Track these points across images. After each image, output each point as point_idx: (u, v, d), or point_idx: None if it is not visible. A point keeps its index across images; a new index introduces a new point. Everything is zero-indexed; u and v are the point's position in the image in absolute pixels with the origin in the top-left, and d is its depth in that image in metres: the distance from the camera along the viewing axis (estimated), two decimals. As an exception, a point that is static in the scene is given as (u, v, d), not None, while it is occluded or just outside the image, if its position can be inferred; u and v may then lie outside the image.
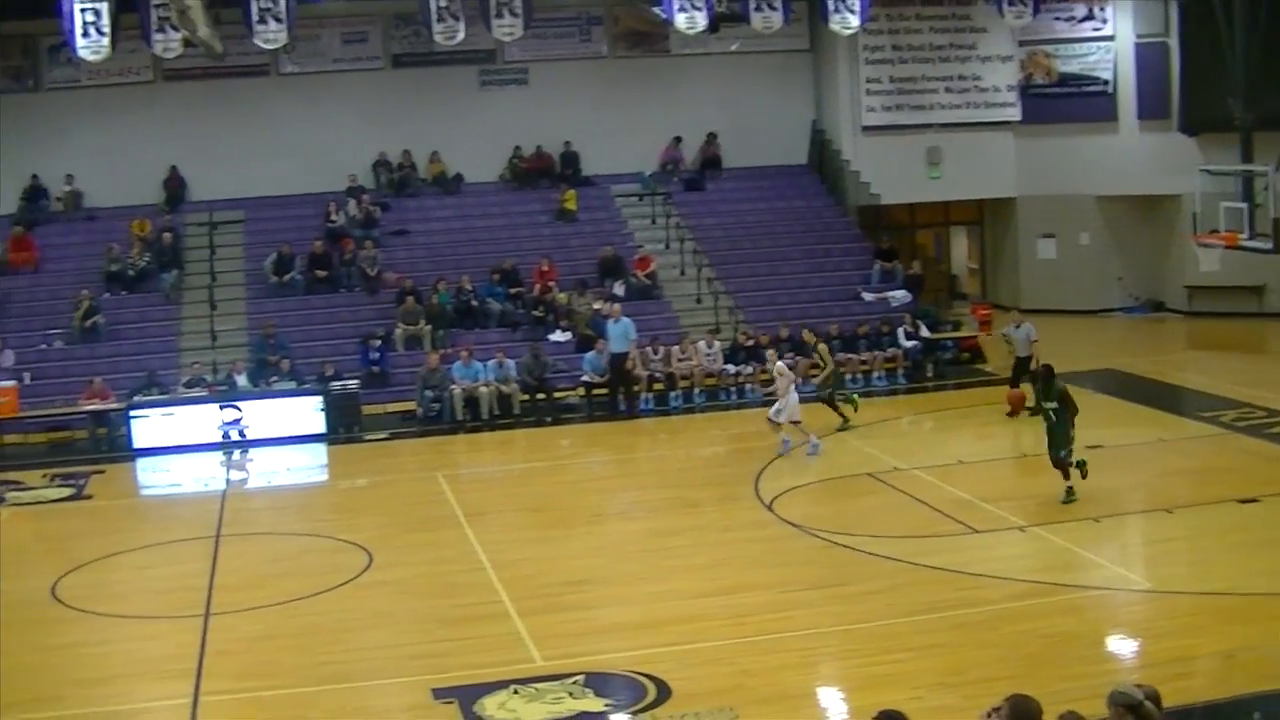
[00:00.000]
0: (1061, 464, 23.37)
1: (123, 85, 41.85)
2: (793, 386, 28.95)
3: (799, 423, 28.75)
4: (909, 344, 36.46)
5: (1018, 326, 32.07)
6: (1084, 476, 23.37)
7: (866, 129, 44.42)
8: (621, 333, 34.31)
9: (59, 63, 41.25)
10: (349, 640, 19.09)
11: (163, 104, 42.31)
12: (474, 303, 38.42)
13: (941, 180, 44.69)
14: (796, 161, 45.75)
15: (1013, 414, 30.60)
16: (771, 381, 30.09)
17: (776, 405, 28.95)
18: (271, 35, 35.44)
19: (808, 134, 45.91)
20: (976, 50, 44.46)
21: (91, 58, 35.01)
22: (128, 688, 17.66)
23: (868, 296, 39.78)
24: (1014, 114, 44.84)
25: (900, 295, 39.65)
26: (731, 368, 35.62)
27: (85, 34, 34.21)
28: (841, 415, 30.77)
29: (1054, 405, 23.38)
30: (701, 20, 36.63)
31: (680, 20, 36.65)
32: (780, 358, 30.51)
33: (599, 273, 39.73)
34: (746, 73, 44.70)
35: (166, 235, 40.13)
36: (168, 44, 35.12)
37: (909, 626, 18.08)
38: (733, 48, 43.41)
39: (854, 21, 37.58)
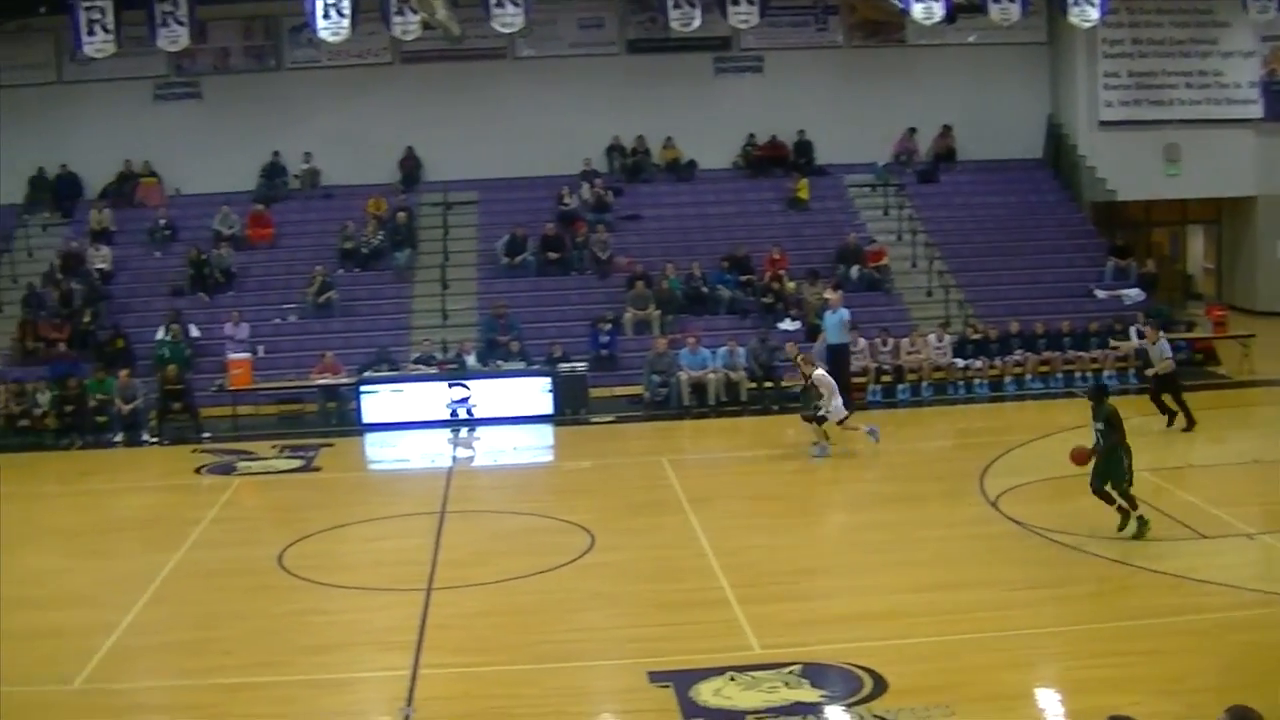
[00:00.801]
0: (1102, 494, 21.73)
1: (361, 66, 42.61)
2: (835, 390, 28.66)
3: (825, 421, 28.62)
4: (1141, 343, 35.72)
5: (1154, 342, 30.89)
6: (1139, 534, 21.44)
7: (1103, 124, 43.65)
8: (838, 323, 33.73)
9: (300, 43, 42.07)
10: (568, 620, 19.06)
11: (400, 85, 42.98)
12: (704, 289, 38.41)
13: (1179, 177, 43.65)
14: (1031, 156, 45.09)
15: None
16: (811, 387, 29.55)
17: (824, 408, 28.69)
18: (509, 19, 35.69)
19: (1043, 128, 45.20)
20: (1218, 45, 43.42)
21: (331, 39, 35.55)
22: (350, 657, 17.80)
23: (1100, 294, 39.05)
24: (1255, 111, 43.76)
25: (1134, 293, 38.88)
26: (960, 362, 35.23)
27: (326, 15, 34.77)
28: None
29: (1100, 427, 21.92)
30: (939, 11, 36.33)
31: (918, 11, 36.39)
32: (816, 364, 30.05)
33: (835, 259, 39.60)
34: (983, 65, 44.12)
35: (401, 214, 40.70)
36: (406, 26, 35.58)
37: (1130, 630, 17.55)
38: (969, 39, 42.92)
39: (1093, 14, 36.94)
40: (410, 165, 43.33)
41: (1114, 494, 21.63)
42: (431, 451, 31.71)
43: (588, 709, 16.29)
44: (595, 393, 34.72)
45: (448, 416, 33.48)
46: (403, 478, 30.66)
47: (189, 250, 39.41)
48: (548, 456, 32.36)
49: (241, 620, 19.27)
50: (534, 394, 33.84)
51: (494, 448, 32.20)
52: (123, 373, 33.71)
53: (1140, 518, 21.49)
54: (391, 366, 34.89)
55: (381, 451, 32.26)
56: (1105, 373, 35.08)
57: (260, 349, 36.24)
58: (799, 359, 30.43)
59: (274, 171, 42.94)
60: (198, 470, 29.77)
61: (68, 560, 23.04)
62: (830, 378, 28.88)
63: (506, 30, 36.68)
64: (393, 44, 40.89)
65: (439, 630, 18.57)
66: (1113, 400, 22.37)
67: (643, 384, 34.83)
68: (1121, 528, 21.53)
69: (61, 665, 17.36)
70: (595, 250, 39.76)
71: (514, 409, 33.63)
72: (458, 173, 42.69)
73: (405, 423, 33.21)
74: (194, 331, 36.67)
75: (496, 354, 35.37)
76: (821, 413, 28.61)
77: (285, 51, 43.09)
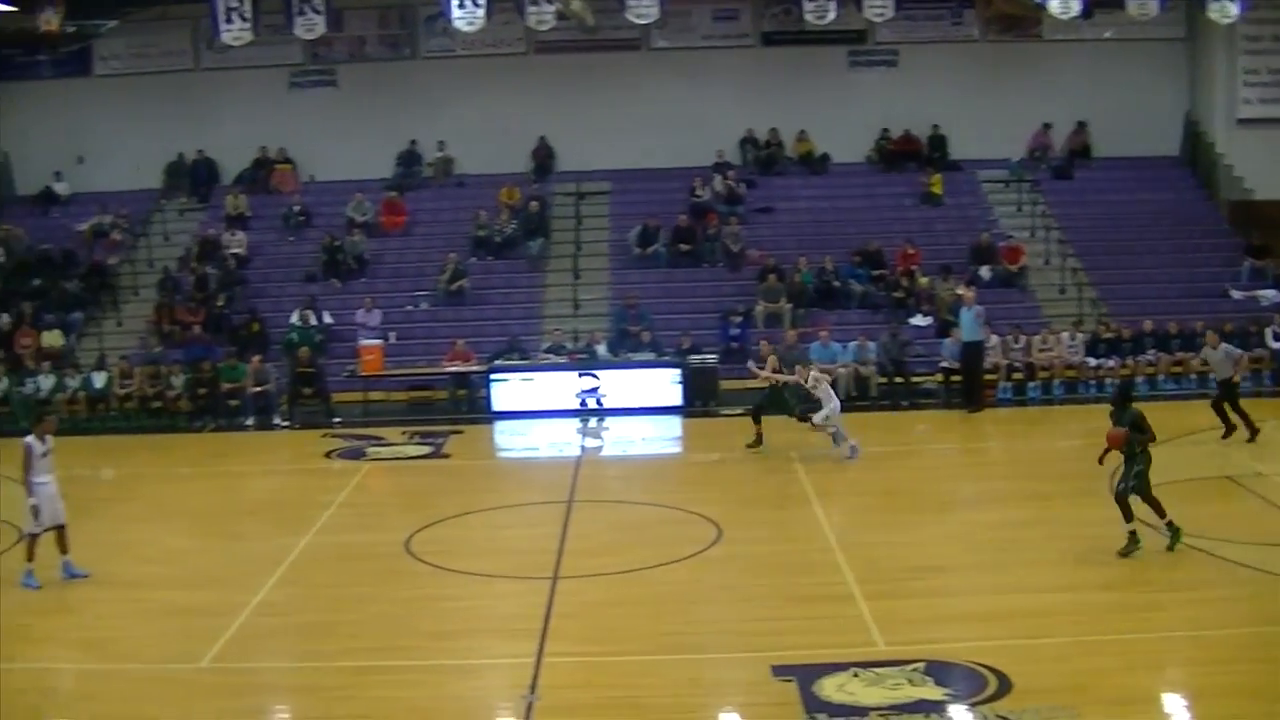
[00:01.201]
0: (1122, 500, 20.90)
1: (496, 56, 42.86)
2: (832, 392, 28.55)
3: (833, 431, 28.35)
4: (1278, 345, 35.17)
5: (1214, 347, 30.04)
6: (1172, 545, 20.77)
7: (1242, 121, 42.82)
8: (972, 320, 33.42)
9: (435, 32, 42.41)
10: (692, 612, 19.04)
11: (534, 76, 43.12)
12: (835, 283, 38.25)
13: (1320, 177, 42.93)
14: (1168, 153, 44.31)
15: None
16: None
17: (823, 411, 28.39)
18: (643, 10, 35.68)
19: (1181, 125, 44.46)
20: (1362, 42, 42.70)
21: (467, 28, 35.63)
22: (475, 643, 17.92)
23: (1236, 294, 38.45)
24: (1400, 108, 42.90)
25: (1271, 294, 38.22)
26: (1092, 360, 34.88)
27: (461, 5, 34.85)
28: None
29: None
30: (1076, 6, 35.89)
31: (1054, 5, 35.98)
32: (811, 366, 29.77)
33: (969, 258, 39.30)
34: (1119, 60, 43.45)
35: (534, 203, 40.85)
36: (541, 16, 35.58)
37: (1261, 637, 17.20)
38: (1106, 35, 42.32)
39: (1234, 10, 36.35)
40: (543, 155, 43.50)
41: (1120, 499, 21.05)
42: (560, 441, 31.87)
43: (710, 701, 16.20)
44: (725, 385, 34.63)
45: (577, 406, 33.59)
46: (531, 466, 30.77)
47: (323, 237, 39.89)
48: (676, 448, 32.42)
49: (368, 604, 19.44)
50: (664, 385, 33.90)
51: (623, 438, 32.28)
52: (255, 359, 34.15)
53: (1132, 533, 20.82)
54: (522, 355, 35.06)
55: (511, 440, 32.51)
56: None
57: (392, 335, 36.55)
58: (794, 365, 30.12)
59: (409, 159, 43.24)
60: (328, 455, 30.15)
61: (199, 540, 23.38)
62: (827, 380, 28.71)
63: (641, 21, 36.70)
64: (527, 34, 41.06)
65: (564, 619, 18.61)
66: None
67: (772, 377, 34.74)
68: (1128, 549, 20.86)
69: (191, 644, 17.59)
70: (727, 242, 39.72)
71: (643, 400, 33.73)
72: (590, 163, 42.90)
73: (535, 411, 33.40)
74: (327, 317, 37.04)
75: (627, 344, 35.46)
76: (820, 416, 28.40)
77: (420, 40, 43.42)
